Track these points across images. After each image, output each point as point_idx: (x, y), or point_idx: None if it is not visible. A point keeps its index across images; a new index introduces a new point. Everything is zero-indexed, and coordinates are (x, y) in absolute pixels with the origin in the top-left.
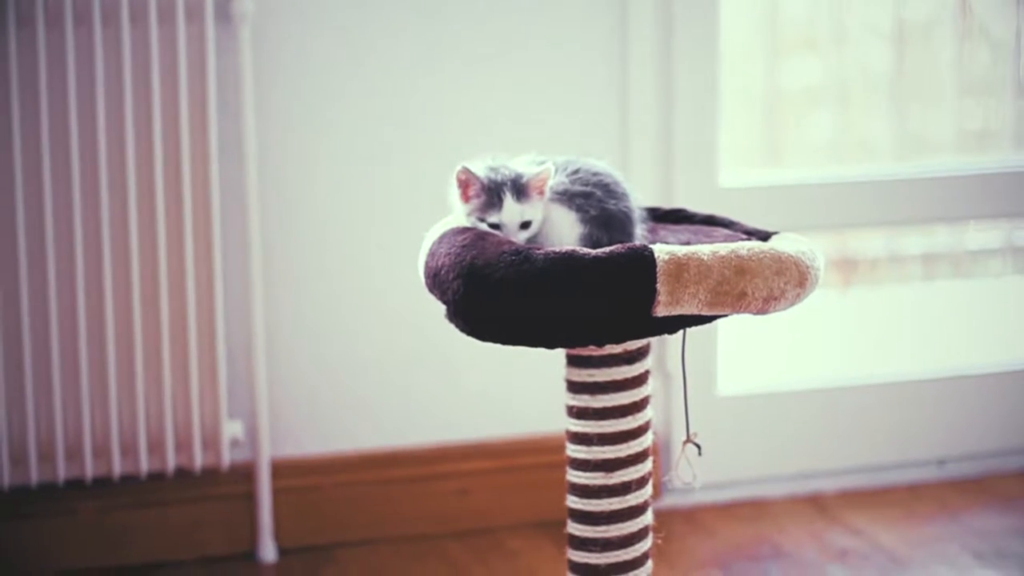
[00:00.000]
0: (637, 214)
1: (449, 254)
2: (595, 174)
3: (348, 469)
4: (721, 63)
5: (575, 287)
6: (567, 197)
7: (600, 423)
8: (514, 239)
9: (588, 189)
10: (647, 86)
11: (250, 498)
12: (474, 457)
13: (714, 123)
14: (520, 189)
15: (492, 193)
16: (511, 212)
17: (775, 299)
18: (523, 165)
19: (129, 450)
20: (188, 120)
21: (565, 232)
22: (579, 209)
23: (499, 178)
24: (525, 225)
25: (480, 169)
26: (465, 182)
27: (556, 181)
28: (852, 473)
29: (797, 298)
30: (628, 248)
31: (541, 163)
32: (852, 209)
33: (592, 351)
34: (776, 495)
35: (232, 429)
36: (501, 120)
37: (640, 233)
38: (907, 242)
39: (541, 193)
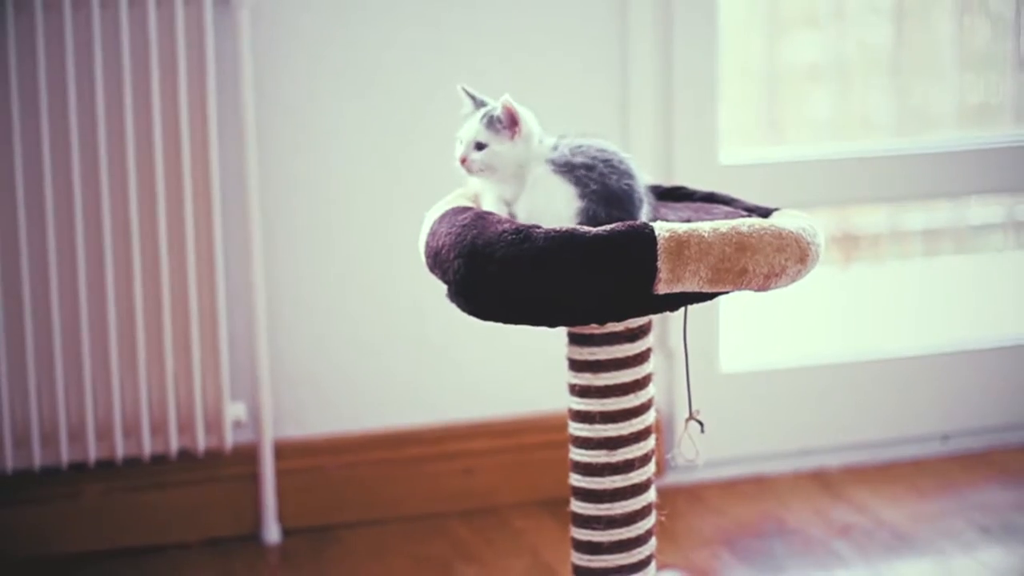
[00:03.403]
0: (642, 193)
1: (450, 233)
2: (600, 150)
3: (352, 449)
4: (721, 40)
5: (576, 265)
6: (567, 170)
7: (602, 401)
8: (464, 154)
9: (589, 162)
10: (647, 63)
11: (254, 479)
12: (477, 436)
13: (714, 100)
14: (490, 120)
15: (472, 114)
16: (469, 129)
17: (776, 276)
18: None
19: (132, 433)
20: (187, 103)
21: (563, 206)
22: (578, 183)
23: (484, 102)
24: (479, 146)
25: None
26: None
27: (558, 155)
28: (856, 449)
29: (798, 274)
30: (628, 226)
31: (561, 138)
32: (853, 185)
33: (593, 329)
34: (780, 471)
35: (235, 411)
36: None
37: (645, 213)
38: (908, 218)
39: (511, 132)
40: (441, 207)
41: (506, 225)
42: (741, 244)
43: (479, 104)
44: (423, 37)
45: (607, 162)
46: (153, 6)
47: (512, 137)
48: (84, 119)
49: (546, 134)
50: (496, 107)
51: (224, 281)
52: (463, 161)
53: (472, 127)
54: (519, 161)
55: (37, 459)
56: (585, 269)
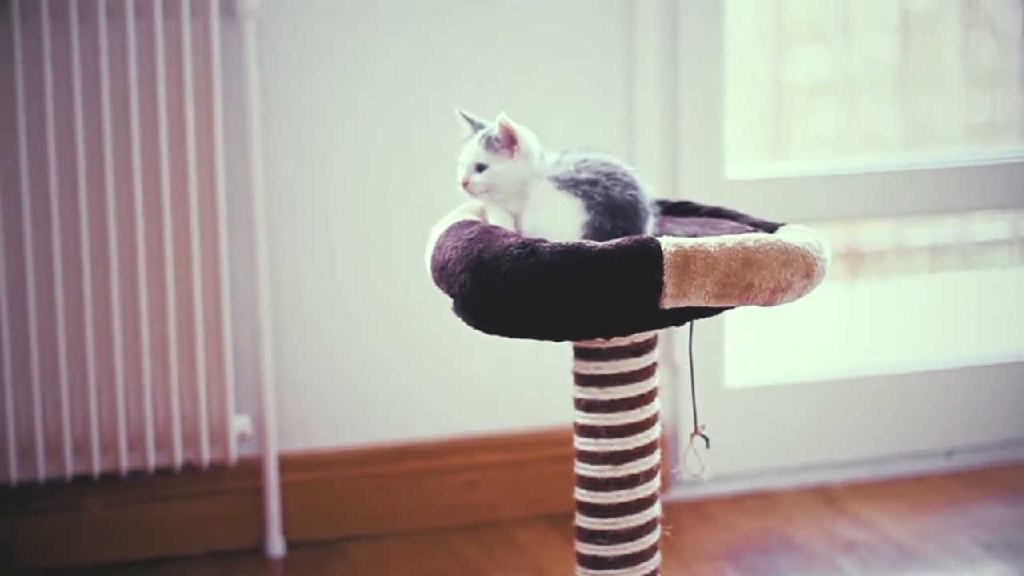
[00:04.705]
0: (646, 204)
1: (456, 247)
2: (604, 164)
3: (356, 463)
4: (727, 55)
5: (582, 280)
6: (572, 184)
7: (608, 416)
8: (466, 177)
9: (594, 177)
10: (653, 78)
11: (258, 492)
12: (482, 450)
13: (720, 115)
14: (488, 140)
15: (471, 137)
16: (468, 152)
17: (782, 291)
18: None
19: (136, 445)
20: (193, 115)
21: (568, 220)
22: (584, 196)
23: (483, 125)
24: (480, 168)
25: (482, 119)
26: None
27: (562, 171)
28: (860, 464)
29: (804, 289)
30: (635, 240)
31: (564, 153)
32: (858, 201)
33: (599, 344)
34: (784, 487)
35: (239, 424)
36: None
37: (651, 225)
38: (914, 233)
39: (510, 150)
40: (447, 221)
41: (512, 239)
42: (747, 259)
43: (477, 127)
44: (429, 51)
45: (611, 175)
46: (160, 17)
47: (511, 155)
48: (90, 131)
49: (548, 150)
50: (493, 127)
51: (229, 293)
52: (465, 184)
53: (471, 149)
54: (520, 178)
55: (41, 471)
56: (591, 283)
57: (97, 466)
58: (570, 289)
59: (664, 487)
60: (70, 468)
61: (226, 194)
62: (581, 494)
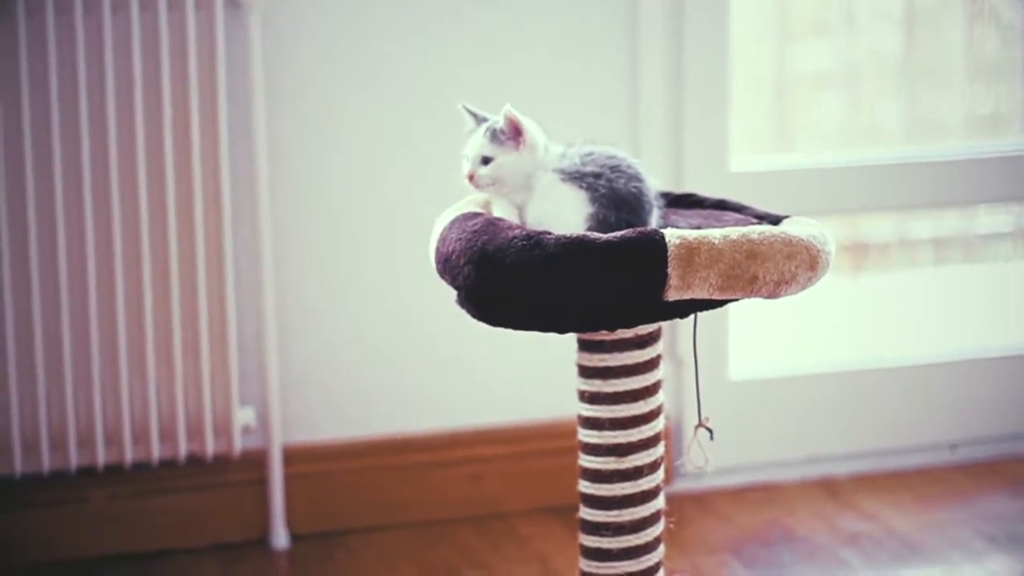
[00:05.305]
0: (651, 197)
1: (460, 239)
2: (609, 157)
3: (360, 455)
4: (731, 47)
5: (586, 271)
6: (577, 176)
7: (612, 408)
8: (471, 170)
9: (598, 169)
10: (657, 71)
11: (262, 485)
12: (486, 443)
13: (724, 108)
14: (493, 133)
15: (475, 130)
16: (473, 145)
17: (786, 283)
18: (554, 147)
19: (141, 437)
20: (198, 108)
21: (573, 213)
22: (589, 188)
23: (486, 118)
24: (485, 160)
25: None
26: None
27: (568, 163)
28: (864, 457)
29: (808, 282)
30: (639, 232)
31: (569, 146)
32: (862, 193)
33: (603, 336)
34: (788, 479)
35: (244, 416)
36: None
37: (655, 217)
38: (917, 226)
39: (516, 142)
40: (451, 213)
41: (517, 231)
42: (751, 251)
43: (481, 120)
44: (434, 45)
45: (615, 168)
46: (164, 10)
47: (517, 147)
48: (94, 124)
49: (553, 143)
50: (498, 120)
51: (233, 286)
52: (471, 178)
53: (476, 142)
54: (526, 171)
55: (46, 463)
56: (595, 275)
57: (101, 458)
58: (574, 281)
59: (668, 479)
60: (74, 460)
61: (230, 187)
62: (585, 486)
